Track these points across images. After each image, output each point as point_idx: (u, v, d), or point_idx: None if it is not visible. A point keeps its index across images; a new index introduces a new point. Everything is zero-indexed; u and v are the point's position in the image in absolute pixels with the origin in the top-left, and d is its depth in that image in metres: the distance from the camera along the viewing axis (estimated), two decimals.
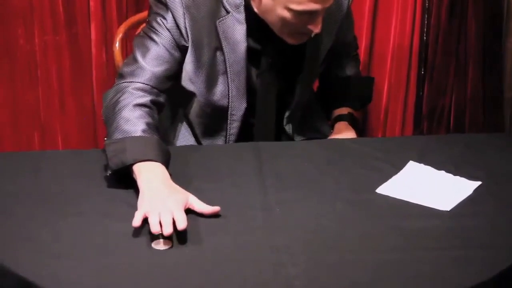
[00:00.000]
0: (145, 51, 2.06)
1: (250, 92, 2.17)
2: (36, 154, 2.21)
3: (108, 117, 1.96)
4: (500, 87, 3.08)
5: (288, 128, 2.26)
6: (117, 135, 1.89)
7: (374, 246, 1.59)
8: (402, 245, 1.60)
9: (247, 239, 1.61)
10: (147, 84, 2.03)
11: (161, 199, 1.70)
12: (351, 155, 2.00)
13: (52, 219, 1.66)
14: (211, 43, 2.09)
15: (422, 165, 1.91)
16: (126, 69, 2.06)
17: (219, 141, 2.22)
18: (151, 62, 2.05)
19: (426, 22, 2.99)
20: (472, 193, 1.80)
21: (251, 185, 1.83)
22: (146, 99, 1.99)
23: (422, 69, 3.06)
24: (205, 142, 2.24)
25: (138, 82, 2.02)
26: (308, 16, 1.98)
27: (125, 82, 2.03)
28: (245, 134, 2.20)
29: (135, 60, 2.06)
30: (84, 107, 2.95)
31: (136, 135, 1.88)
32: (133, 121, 1.91)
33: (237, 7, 2.07)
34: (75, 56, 2.88)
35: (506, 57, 3.04)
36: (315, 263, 1.53)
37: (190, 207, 1.71)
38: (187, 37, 2.06)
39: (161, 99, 2.06)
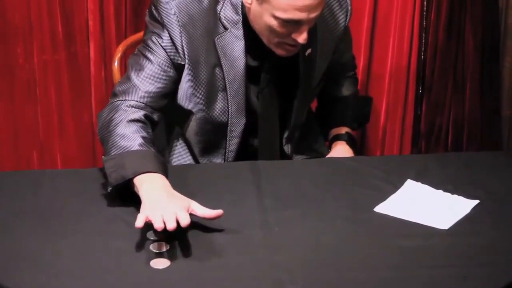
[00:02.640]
0: (139, 69, 2.07)
1: (249, 109, 2.17)
2: (36, 173, 2.21)
3: (104, 136, 1.97)
4: (498, 105, 3.09)
5: (287, 148, 2.26)
6: (114, 152, 1.89)
7: (372, 264, 1.59)
8: (400, 263, 1.60)
9: (246, 257, 1.61)
10: (141, 102, 2.03)
11: (164, 203, 1.71)
12: (349, 174, 2.00)
13: (52, 238, 1.66)
14: (209, 60, 2.10)
15: (420, 183, 1.92)
16: (120, 88, 2.06)
17: (218, 159, 2.22)
18: (145, 80, 2.05)
19: (423, 41, 3.00)
20: (471, 211, 1.80)
21: (250, 204, 1.83)
22: (139, 114, 1.99)
23: (420, 88, 3.07)
24: (203, 160, 2.24)
25: (132, 100, 2.03)
26: (293, 25, 1.97)
27: (118, 100, 2.03)
28: (244, 153, 2.20)
29: (128, 79, 2.06)
30: (83, 126, 2.95)
31: (133, 149, 1.88)
32: (129, 136, 1.91)
33: (235, 23, 2.08)
34: (74, 75, 2.89)
35: (503, 76, 3.05)
36: (314, 281, 1.53)
37: (192, 212, 1.71)
38: (184, 55, 2.07)
39: (155, 117, 2.06)
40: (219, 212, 1.71)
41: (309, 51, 2.15)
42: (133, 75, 2.06)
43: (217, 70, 2.11)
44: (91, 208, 1.79)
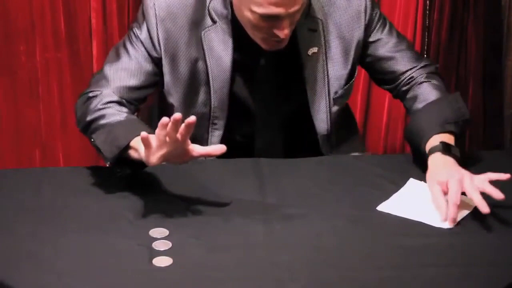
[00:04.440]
0: (114, 61, 2.06)
1: (235, 104, 2.13)
2: (38, 171, 2.21)
3: (84, 126, 1.98)
4: (500, 104, 3.09)
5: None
6: (101, 130, 1.91)
7: (374, 263, 1.59)
8: (402, 262, 1.60)
9: (248, 256, 1.61)
10: (113, 93, 2.02)
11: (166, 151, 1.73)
12: (352, 173, 2.00)
13: (54, 236, 1.66)
14: (190, 53, 2.07)
15: (423, 182, 1.91)
16: (93, 79, 2.07)
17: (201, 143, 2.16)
18: (117, 73, 2.04)
19: (426, 40, 3.00)
20: (473, 210, 1.80)
21: (251, 202, 1.83)
22: (113, 98, 2.00)
23: None
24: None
25: (103, 91, 2.02)
26: (272, 20, 1.92)
27: (90, 91, 2.03)
28: (229, 148, 2.18)
29: (102, 70, 2.07)
30: None
31: (119, 120, 1.91)
32: (109, 114, 1.94)
33: (224, 17, 2.05)
34: (77, 73, 2.89)
35: (506, 75, 3.05)
36: (315, 280, 1.53)
37: (194, 154, 1.74)
38: (160, 48, 2.05)
39: (131, 107, 2.03)
40: (222, 147, 1.74)
41: (314, 50, 2.11)
42: (107, 66, 2.06)
43: (200, 64, 2.08)
44: (93, 206, 1.79)
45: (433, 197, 1.80)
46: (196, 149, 1.76)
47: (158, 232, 1.67)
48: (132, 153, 1.82)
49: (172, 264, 1.57)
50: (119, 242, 1.64)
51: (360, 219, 1.77)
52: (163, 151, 1.72)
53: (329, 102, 2.16)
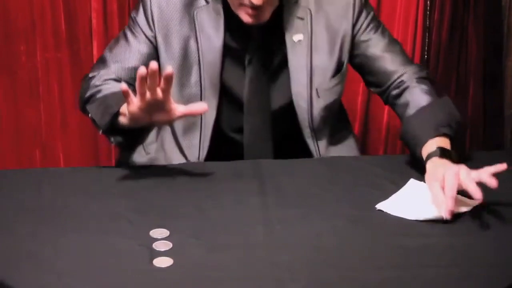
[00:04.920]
0: (113, 46, 2.16)
1: (226, 91, 2.16)
2: (38, 172, 2.21)
3: (83, 102, 2.07)
4: (501, 105, 3.09)
5: (312, 143, 2.22)
6: (96, 102, 2.00)
7: (374, 263, 1.59)
8: (402, 262, 1.60)
9: (248, 256, 1.61)
10: (111, 74, 2.11)
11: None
12: (352, 173, 2.00)
13: (54, 236, 1.66)
14: (182, 32, 2.11)
15: (423, 183, 1.91)
16: (95, 64, 2.17)
17: (195, 135, 2.19)
18: (115, 56, 2.13)
19: (427, 40, 3.00)
20: (473, 210, 1.80)
21: (252, 203, 1.83)
22: (111, 76, 2.08)
23: None
24: (184, 140, 2.21)
25: (100, 72, 2.11)
26: None
27: (89, 73, 2.13)
28: (222, 138, 2.21)
29: (102, 54, 2.17)
30: (86, 124, 2.94)
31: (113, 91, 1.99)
32: (105, 88, 2.02)
33: None
34: (77, 73, 2.89)
35: (506, 75, 3.05)
36: (315, 280, 1.53)
37: (178, 113, 1.83)
38: (154, 27, 2.11)
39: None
40: (203, 105, 1.85)
41: (299, 37, 2.13)
42: (106, 51, 2.17)
43: (192, 42, 2.12)
44: (94, 206, 1.79)
45: (433, 195, 1.80)
46: (179, 108, 1.83)
47: (158, 232, 1.67)
48: (121, 119, 1.90)
49: (173, 264, 1.57)
50: (119, 242, 1.64)
51: (360, 219, 1.77)
52: (143, 102, 1.80)
53: (311, 92, 2.16)
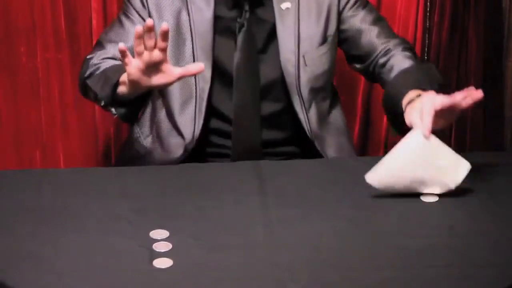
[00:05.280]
0: (108, 30, 2.25)
1: (219, 65, 2.20)
2: (38, 172, 2.21)
3: (83, 82, 2.15)
4: (501, 106, 3.09)
5: (304, 118, 2.24)
6: (96, 77, 2.08)
7: (374, 263, 1.59)
8: (402, 263, 1.60)
9: (248, 256, 1.61)
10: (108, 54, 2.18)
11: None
12: (352, 174, 2.00)
13: (54, 236, 1.66)
14: (174, 6, 2.17)
15: (416, 135, 1.85)
16: (92, 50, 2.25)
17: (191, 110, 2.21)
18: (111, 38, 2.20)
19: (427, 41, 3.00)
20: (473, 210, 1.80)
21: (252, 203, 1.83)
22: (108, 55, 2.15)
23: None
24: (181, 118, 2.22)
25: (97, 52, 2.19)
26: None
27: (87, 57, 2.21)
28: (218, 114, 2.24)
29: (98, 40, 2.25)
30: (86, 125, 2.95)
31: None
32: (104, 65, 2.10)
33: None
34: (78, 74, 2.89)
35: (506, 76, 3.05)
36: (315, 281, 1.53)
37: (175, 75, 1.88)
38: (147, 4, 2.17)
39: None
40: (200, 65, 1.89)
41: (287, 5, 2.18)
42: (102, 34, 2.26)
43: (184, 14, 2.17)
44: (94, 206, 1.79)
45: (412, 123, 1.84)
46: (177, 70, 1.89)
47: (158, 233, 1.67)
48: (121, 88, 1.96)
49: (173, 265, 1.57)
50: (119, 243, 1.64)
51: (360, 220, 1.77)
52: (141, 62, 1.85)
53: (299, 58, 2.21)
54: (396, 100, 2.02)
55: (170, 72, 1.89)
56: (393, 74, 2.16)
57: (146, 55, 1.84)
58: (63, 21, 2.82)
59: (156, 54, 1.84)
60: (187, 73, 1.91)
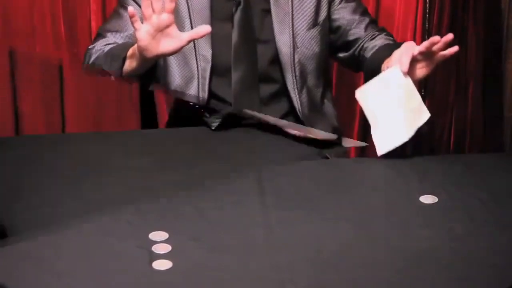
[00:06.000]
0: (106, 22, 2.31)
1: (217, 46, 2.24)
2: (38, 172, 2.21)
3: (90, 67, 2.20)
4: (501, 107, 3.09)
5: (295, 97, 2.31)
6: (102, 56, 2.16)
7: (375, 265, 1.59)
8: (403, 265, 1.60)
9: (248, 258, 1.61)
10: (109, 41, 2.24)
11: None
12: (351, 175, 2.00)
13: (53, 238, 1.66)
14: None
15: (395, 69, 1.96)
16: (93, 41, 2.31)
17: (193, 86, 2.25)
18: (109, 27, 2.26)
19: None
20: (473, 211, 1.80)
21: (251, 204, 1.83)
22: (110, 41, 2.22)
23: (422, 90, 3.07)
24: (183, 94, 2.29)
25: (99, 41, 2.25)
26: None
27: (89, 47, 2.27)
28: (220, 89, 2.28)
29: (97, 32, 2.31)
30: (86, 125, 2.95)
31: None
32: (108, 47, 2.16)
33: None
34: (77, 76, 2.89)
35: (506, 77, 3.06)
36: (315, 282, 1.53)
37: (183, 40, 1.95)
38: None
39: None
40: (206, 27, 1.96)
41: None
42: (100, 27, 2.32)
43: None
44: (93, 207, 1.79)
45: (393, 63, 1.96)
46: (184, 35, 1.96)
47: (158, 235, 1.67)
48: (130, 63, 2.05)
49: (172, 267, 1.57)
50: (119, 244, 1.64)
51: (360, 222, 1.77)
52: (150, 26, 1.91)
53: (293, 37, 2.28)
54: (377, 63, 2.13)
55: (178, 36, 1.95)
56: (375, 49, 2.27)
57: (154, 18, 1.90)
58: (62, 22, 2.83)
59: (165, 17, 1.91)
60: (196, 35, 1.97)
